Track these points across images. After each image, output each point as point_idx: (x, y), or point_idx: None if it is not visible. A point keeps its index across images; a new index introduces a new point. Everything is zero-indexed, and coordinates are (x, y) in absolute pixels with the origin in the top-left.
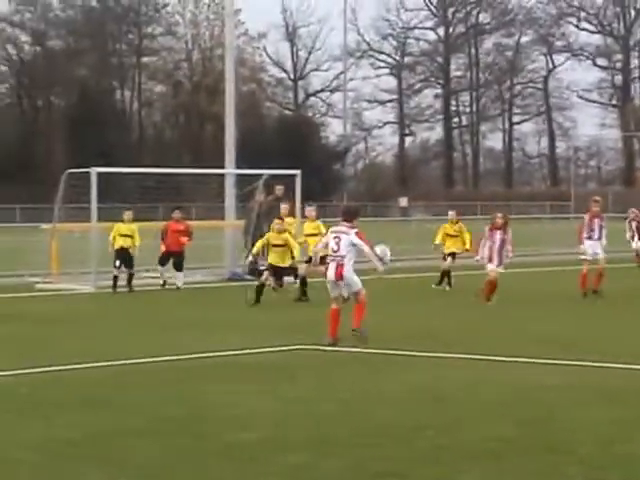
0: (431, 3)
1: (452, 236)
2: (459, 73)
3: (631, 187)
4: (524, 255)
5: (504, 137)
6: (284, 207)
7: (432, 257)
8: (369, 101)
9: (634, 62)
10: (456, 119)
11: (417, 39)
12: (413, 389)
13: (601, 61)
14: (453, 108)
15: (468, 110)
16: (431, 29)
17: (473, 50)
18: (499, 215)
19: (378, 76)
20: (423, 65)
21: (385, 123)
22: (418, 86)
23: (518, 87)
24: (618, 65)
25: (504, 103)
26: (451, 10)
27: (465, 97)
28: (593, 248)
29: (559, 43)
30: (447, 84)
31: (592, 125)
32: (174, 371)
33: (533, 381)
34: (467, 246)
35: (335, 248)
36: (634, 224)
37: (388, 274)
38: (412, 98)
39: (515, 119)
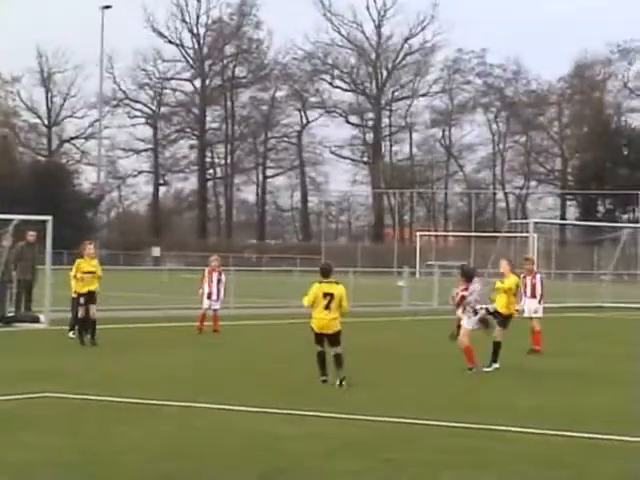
0: (188, 55)
1: None
2: (215, 125)
3: (380, 243)
4: (271, 307)
5: (257, 190)
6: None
7: (184, 306)
8: (124, 149)
9: (385, 121)
10: (211, 170)
11: (174, 90)
12: (158, 438)
13: (353, 118)
14: (208, 159)
15: (223, 162)
16: (188, 80)
17: (229, 103)
18: None
19: (134, 125)
20: (179, 116)
21: (140, 172)
22: (174, 136)
23: (272, 141)
24: (370, 123)
25: (258, 156)
26: (208, 62)
27: (220, 149)
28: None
29: (313, 99)
30: (202, 135)
31: (344, 181)
32: None
33: (274, 431)
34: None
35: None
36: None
37: (131, 323)
38: (167, 148)
39: (269, 172)
